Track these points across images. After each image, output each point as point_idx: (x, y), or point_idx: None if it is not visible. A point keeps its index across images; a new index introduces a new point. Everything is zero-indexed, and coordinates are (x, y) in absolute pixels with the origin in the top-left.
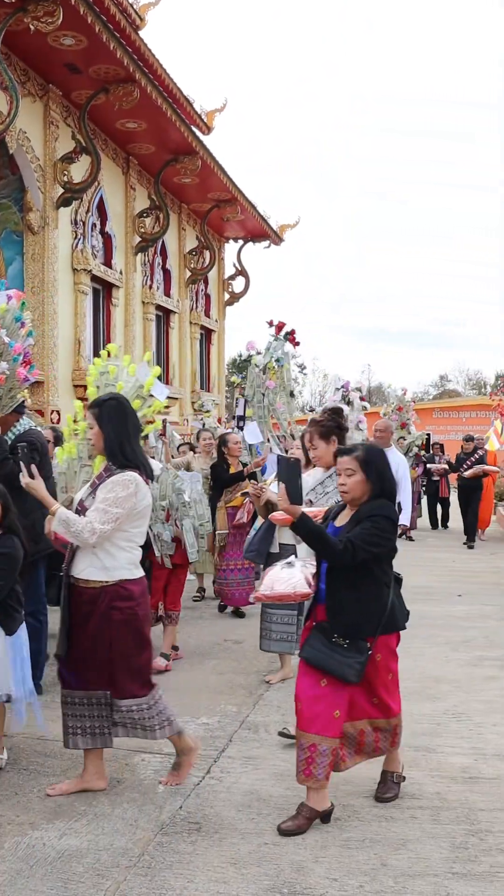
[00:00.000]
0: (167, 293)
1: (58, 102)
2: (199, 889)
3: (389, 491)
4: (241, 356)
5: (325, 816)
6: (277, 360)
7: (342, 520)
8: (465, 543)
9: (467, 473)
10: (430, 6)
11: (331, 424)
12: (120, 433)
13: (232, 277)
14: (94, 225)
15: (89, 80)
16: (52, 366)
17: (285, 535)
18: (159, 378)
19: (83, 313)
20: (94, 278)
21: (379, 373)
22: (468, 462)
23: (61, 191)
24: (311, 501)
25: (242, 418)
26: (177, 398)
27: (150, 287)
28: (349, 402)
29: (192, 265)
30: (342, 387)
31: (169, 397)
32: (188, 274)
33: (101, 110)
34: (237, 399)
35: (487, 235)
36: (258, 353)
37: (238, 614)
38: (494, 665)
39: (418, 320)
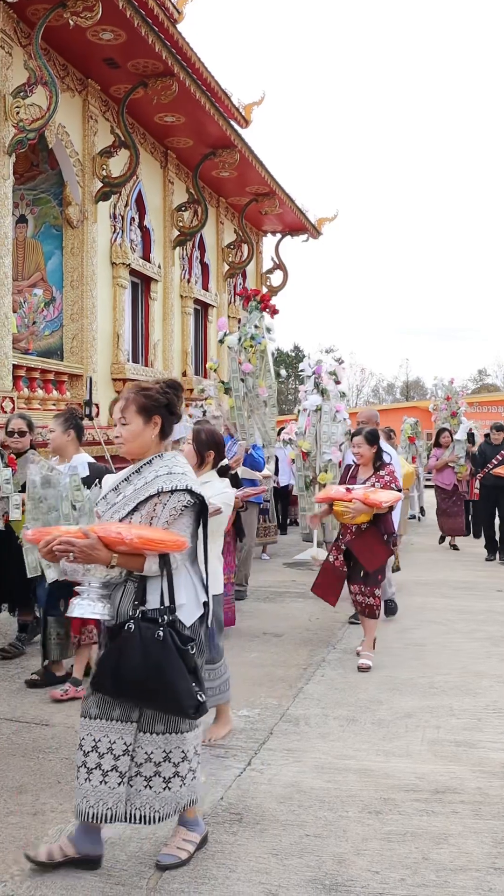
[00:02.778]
0: (205, 287)
1: (96, 97)
2: (241, 879)
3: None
4: (276, 350)
5: None
6: (253, 338)
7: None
8: (487, 559)
9: (499, 471)
10: None
11: (149, 402)
12: None
13: (270, 271)
14: (132, 219)
15: (128, 75)
16: (92, 360)
17: None
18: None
19: (122, 307)
20: (133, 272)
21: (417, 367)
22: (499, 456)
23: (100, 185)
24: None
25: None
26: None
27: (189, 281)
28: (323, 392)
29: (230, 259)
30: (314, 373)
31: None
32: (226, 268)
33: (140, 104)
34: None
35: None
36: (228, 334)
37: None
38: None
39: (457, 314)
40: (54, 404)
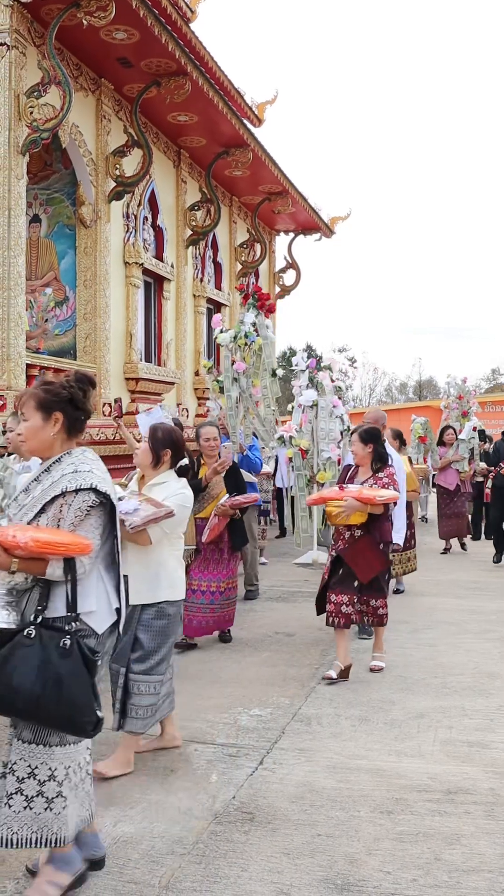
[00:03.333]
0: (218, 286)
1: (110, 96)
2: (253, 878)
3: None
4: (289, 349)
5: None
6: (247, 335)
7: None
8: (494, 560)
9: None
10: None
11: (48, 397)
12: None
13: (283, 270)
14: (145, 218)
15: (141, 74)
16: (105, 359)
17: None
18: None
19: (135, 307)
20: (146, 271)
21: (430, 366)
22: None
23: (113, 184)
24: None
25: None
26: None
27: (202, 280)
28: (317, 386)
29: (242, 258)
30: (307, 367)
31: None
32: (239, 267)
33: (153, 104)
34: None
35: None
36: (223, 331)
37: (188, 646)
38: None
39: (464, 313)
40: None
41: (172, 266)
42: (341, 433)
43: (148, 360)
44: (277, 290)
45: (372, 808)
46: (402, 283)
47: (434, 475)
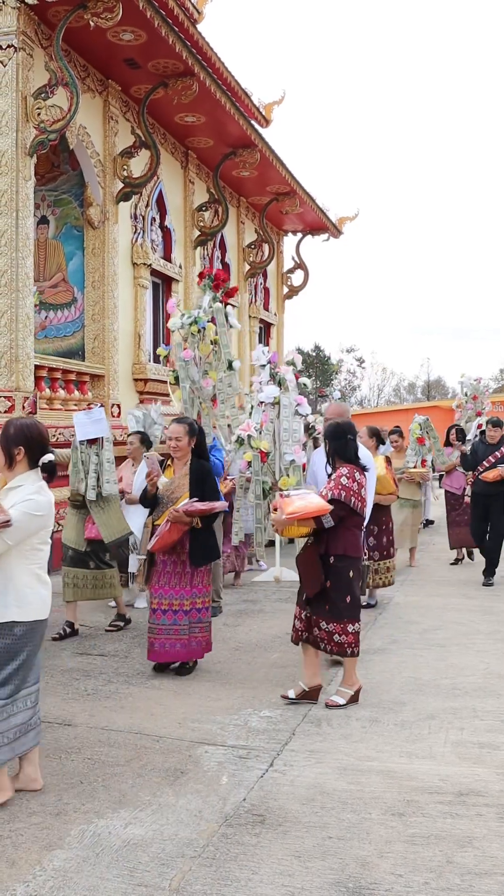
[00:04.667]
0: None
1: (117, 98)
2: (264, 881)
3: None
4: (297, 349)
5: None
6: (196, 321)
7: None
8: (484, 583)
9: (488, 475)
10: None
11: None
12: None
13: (291, 271)
14: (153, 219)
15: (148, 75)
16: (113, 360)
17: None
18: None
19: (143, 307)
20: (154, 272)
21: (438, 367)
22: (492, 458)
23: (121, 185)
24: None
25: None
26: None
27: None
28: (280, 383)
29: (250, 259)
30: (269, 362)
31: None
32: (247, 268)
33: (160, 105)
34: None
35: None
36: (186, 315)
37: (160, 669)
38: None
39: (478, 313)
40: (76, 405)
41: (180, 267)
42: (313, 436)
43: (156, 360)
44: (286, 290)
45: (383, 810)
46: (409, 283)
47: (440, 476)
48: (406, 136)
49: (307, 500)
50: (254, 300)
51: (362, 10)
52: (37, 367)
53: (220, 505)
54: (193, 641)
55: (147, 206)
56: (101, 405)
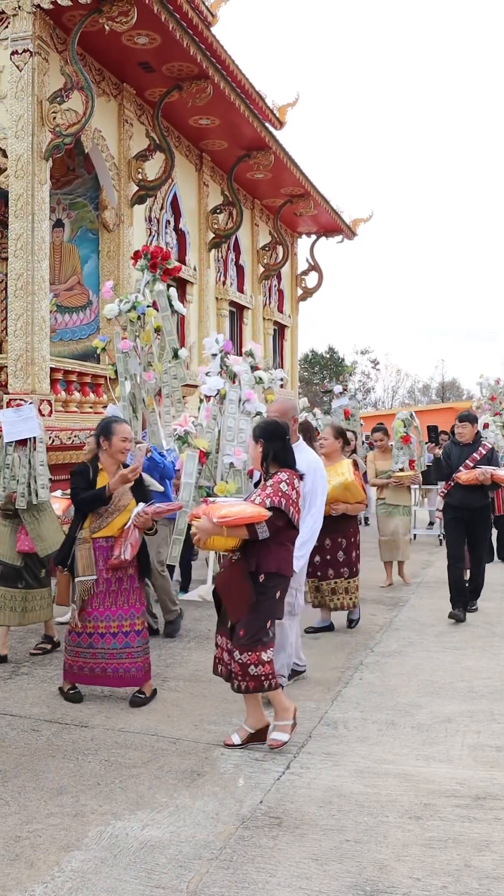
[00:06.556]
0: (240, 289)
1: (132, 101)
2: (281, 884)
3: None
4: (311, 352)
5: None
6: (134, 307)
7: None
8: (468, 609)
9: (460, 476)
10: None
11: None
12: None
13: (305, 273)
14: (167, 222)
15: (162, 78)
16: None
17: None
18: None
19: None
20: None
21: (452, 368)
22: (469, 461)
23: (136, 188)
24: None
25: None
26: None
27: (224, 283)
28: (233, 377)
29: (265, 261)
30: (221, 350)
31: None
32: (261, 270)
33: (175, 108)
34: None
35: None
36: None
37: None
38: None
39: (493, 314)
40: (91, 407)
41: (195, 269)
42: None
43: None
44: (300, 292)
45: (400, 813)
46: (424, 284)
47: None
48: (419, 138)
49: (240, 505)
50: (268, 302)
51: (376, 10)
52: (52, 370)
53: (180, 504)
54: (133, 667)
55: (161, 208)
56: (32, 402)
